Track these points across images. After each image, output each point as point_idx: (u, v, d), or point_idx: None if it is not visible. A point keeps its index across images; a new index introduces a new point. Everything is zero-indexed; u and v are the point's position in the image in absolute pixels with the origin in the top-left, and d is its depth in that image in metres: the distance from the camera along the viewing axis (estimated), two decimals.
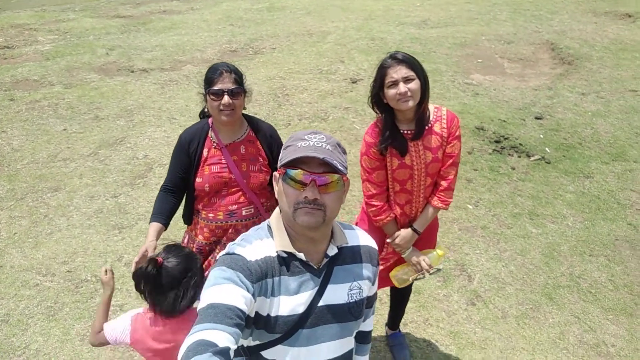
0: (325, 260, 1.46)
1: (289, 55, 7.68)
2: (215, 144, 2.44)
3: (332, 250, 1.46)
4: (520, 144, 5.39)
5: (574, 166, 5.10)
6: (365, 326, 1.71)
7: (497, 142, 5.41)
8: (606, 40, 8.24)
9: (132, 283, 3.49)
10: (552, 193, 4.72)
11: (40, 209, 4.41)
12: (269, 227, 1.48)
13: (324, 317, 1.44)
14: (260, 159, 2.50)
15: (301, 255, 1.41)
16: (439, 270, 2.76)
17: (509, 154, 5.25)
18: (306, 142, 1.35)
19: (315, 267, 1.44)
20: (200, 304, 1.25)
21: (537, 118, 5.90)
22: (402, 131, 2.36)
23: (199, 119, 2.60)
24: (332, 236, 1.48)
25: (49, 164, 5.05)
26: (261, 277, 1.36)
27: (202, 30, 9.15)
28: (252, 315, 1.37)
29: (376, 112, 2.41)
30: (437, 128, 2.39)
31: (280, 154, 1.42)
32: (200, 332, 1.14)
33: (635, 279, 3.81)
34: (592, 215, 4.45)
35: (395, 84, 2.21)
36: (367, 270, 1.54)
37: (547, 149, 5.36)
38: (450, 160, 2.45)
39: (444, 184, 2.48)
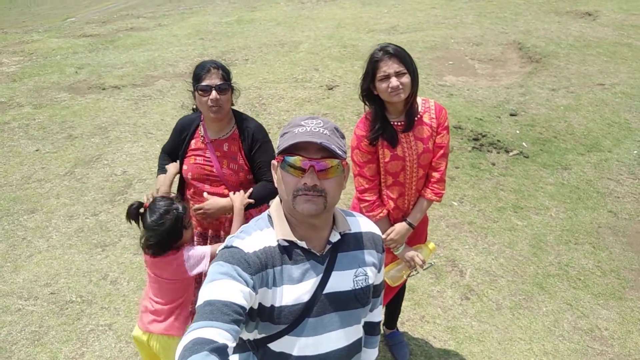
0: (328, 247, 1.43)
1: (262, 66, 7.66)
2: (202, 138, 2.52)
3: (335, 237, 1.43)
4: (498, 141, 5.47)
5: (552, 159, 5.20)
6: (373, 317, 1.68)
7: (475, 139, 5.48)
8: (570, 38, 8.48)
9: (120, 302, 3.43)
10: (533, 186, 4.79)
11: (18, 232, 4.26)
12: (269, 216, 1.45)
13: (329, 305, 1.41)
14: (240, 159, 2.52)
15: (302, 243, 1.39)
16: (431, 264, 2.76)
17: (488, 151, 5.32)
18: (303, 127, 1.33)
19: (317, 254, 1.41)
20: (198, 301, 1.23)
21: (512, 115, 6.01)
22: (392, 122, 2.37)
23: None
24: (334, 223, 1.45)
25: (24, 186, 4.89)
26: (260, 268, 1.33)
27: (172, 45, 9.07)
28: (256, 307, 1.34)
29: (366, 104, 2.41)
30: (426, 119, 2.41)
31: (278, 142, 1.39)
32: (197, 331, 1.12)
33: (621, 264, 3.89)
34: (574, 205, 4.53)
35: (387, 77, 2.21)
36: (371, 256, 1.51)
37: (524, 143, 5.45)
38: (441, 151, 2.46)
39: (436, 175, 2.49)
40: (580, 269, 3.82)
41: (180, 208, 2.29)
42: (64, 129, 5.96)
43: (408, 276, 2.70)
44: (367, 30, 9.30)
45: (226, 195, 2.50)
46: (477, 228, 4.22)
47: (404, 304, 3.20)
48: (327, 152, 1.31)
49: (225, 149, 2.51)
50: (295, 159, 1.31)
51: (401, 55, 2.25)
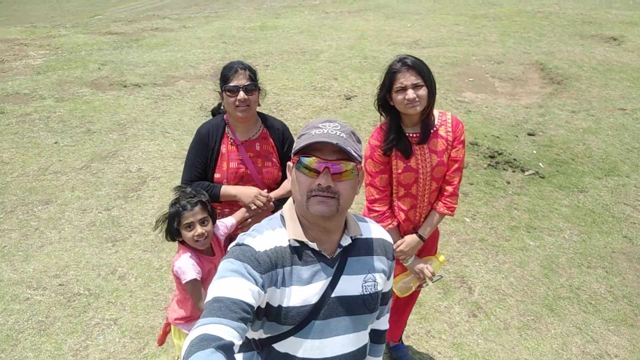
0: (339, 250, 1.42)
1: (282, 72, 7.71)
2: (232, 141, 2.51)
3: (346, 241, 1.43)
4: (514, 159, 5.42)
5: (568, 181, 5.14)
6: (380, 325, 1.67)
7: (491, 157, 5.44)
8: (594, 62, 8.41)
9: (126, 297, 3.44)
10: (547, 207, 4.73)
11: (31, 222, 4.31)
12: (282, 216, 1.46)
13: (337, 308, 1.41)
14: (273, 155, 2.57)
15: (314, 245, 1.39)
16: (441, 277, 2.73)
17: (504, 169, 5.27)
18: (320, 129, 1.33)
19: (328, 256, 1.41)
20: (207, 297, 1.23)
21: (529, 134, 5.96)
22: (407, 134, 2.36)
23: (212, 117, 2.67)
24: (345, 227, 1.45)
25: (40, 177, 4.96)
26: (270, 267, 1.33)
27: (194, 47, 9.17)
28: (263, 306, 1.34)
29: (381, 114, 2.40)
30: (442, 132, 2.39)
31: (295, 143, 1.39)
32: (204, 327, 1.13)
33: (634, 290, 3.81)
34: (588, 229, 4.47)
35: (404, 89, 2.21)
36: (381, 263, 1.50)
37: (540, 164, 5.40)
38: (456, 165, 2.44)
39: (449, 189, 2.48)
40: (591, 293, 3.75)
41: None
42: (83, 123, 6.04)
43: (418, 288, 2.68)
44: (389, 43, 9.32)
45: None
46: (489, 246, 4.17)
47: (410, 317, 3.17)
48: (343, 155, 1.31)
49: (258, 148, 2.53)
50: (310, 160, 1.31)
51: (419, 68, 2.24)
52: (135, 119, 6.18)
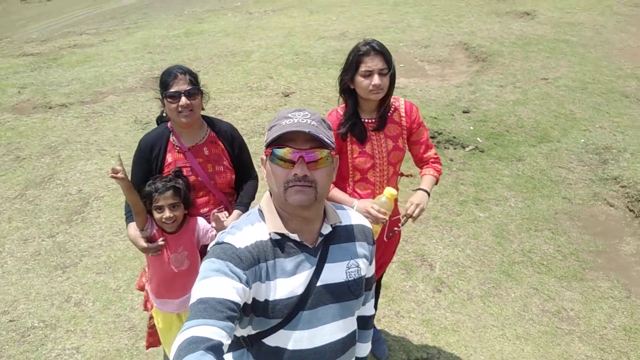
0: (320, 239, 1.43)
1: (215, 76, 7.58)
2: (177, 148, 2.42)
3: (327, 229, 1.43)
4: (454, 137, 5.61)
5: (506, 152, 5.38)
6: (365, 310, 1.69)
7: (432, 137, 5.60)
8: (512, 37, 8.84)
9: (86, 324, 3.28)
10: (490, 178, 4.94)
11: None
12: (260, 210, 1.44)
13: (323, 297, 1.41)
14: (224, 159, 2.50)
15: (295, 236, 1.38)
16: (409, 218, 2.36)
17: (445, 147, 5.45)
18: (290, 119, 1.33)
19: (310, 246, 1.41)
20: (191, 299, 1.22)
21: (464, 112, 6.19)
22: (363, 120, 2.38)
23: (157, 126, 2.56)
24: (325, 215, 1.45)
25: None
26: (253, 262, 1.32)
27: (119, 60, 8.83)
28: (250, 302, 1.33)
29: (342, 97, 2.40)
30: (396, 117, 2.44)
31: (266, 135, 1.38)
32: (191, 329, 1.12)
33: (579, 247, 4.06)
34: (530, 194, 4.70)
35: (370, 74, 2.22)
36: (363, 248, 1.52)
37: (478, 139, 5.62)
38: (423, 147, 2.50)
39: (433, 155, 2.52)
40: (542, 255, 3.96)
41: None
42: (10, 150, 5.68)
43: (388, 237, 2.50)
44: (317, 37, 9.37)
45: (215, 201, 2.51)
46: (442, 222, 4.30)
47: (380, 300, 3.23)
48: (316, 143, 1.31)
49: (207, 153, 2.45)
50: (284, 151, 1.30)
51: (386, 54, 2.26)
52: (67, 140, 5.88)
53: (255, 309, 1.35)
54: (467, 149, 5.40)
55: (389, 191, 2.21)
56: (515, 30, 9.22)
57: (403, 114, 2.45)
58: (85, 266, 3.85)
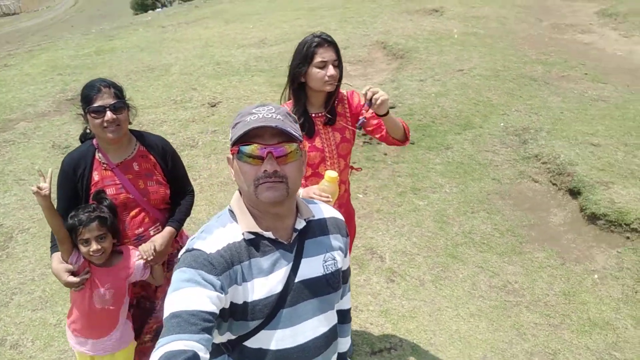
0: (295, 234, 1.40)
1: (135, 93, 7.27)
2: (104, 165, 2.27)
3: (300, 224, 1.41)
4: None
5: (434, 141, 5.59)
6: (343, 304, 1.68)
7: (364, 134, 5.71)
8: (425, 33, 9.20)
9: None
10: (424, 168, 5.11)
11: None
12: (231, 211, 1.40)
13: (302, 292, 1.38)
14: (157, 173, 2.37)
15: (269, 234, 1.35)
16: (370, 104, 2.26)
17: (378, 143, 5.56)
18: (255, 115, 1.28)
19: (285, 242, 1.38)
20: (164, 313, 1.18)
21: (391, 108, 6.31)
22: (310, 114, 2.38)
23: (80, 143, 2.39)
24: (297, 210, 1.43)
25: None
26: (226, 267, 1.27)
27: (26, 84, 8.27)
28: (227, 306, 1.28)
29: (291, 92, 2.37)
30: (340, 109, 2.45)
31: (230, 133, 1.33)
32: (165, 346, 1.08)
33: (513, 223, 4.28)
34: (463, 179, 4.91)
35: (325, 65, 2.21)
36: (337, 240, 1.51)
37: None
38: (382, 126, 2.44)
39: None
40: (482, 234, 4.14)
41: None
42: None
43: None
44: (236, 46, 9.27)
45: (151, 218, 2.38)
46: (385, 214, 4.39)
47: None
48: (284, 137, 1.28)
49: (137, 168, 2.32)
50: (252, 148, 1.26)
51: (336, 46, 2.27)
52: None
53: (234, 313, 1.31)
54: None
55: (329, 174, 2.15)
56: (427, 26, 9.62)
57: (347, 105, 2.47)
58: (18, 304, 3.55)
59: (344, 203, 2.62)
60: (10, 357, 3.14)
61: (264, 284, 1.32)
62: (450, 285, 3.60)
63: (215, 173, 5.16)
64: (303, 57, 2.28)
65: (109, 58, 9.40)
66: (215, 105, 6.56)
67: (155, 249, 2.32)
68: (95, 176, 2.27)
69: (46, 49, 10.97)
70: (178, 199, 2.49)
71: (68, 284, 2.21)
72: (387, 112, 2.34)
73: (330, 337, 1.48)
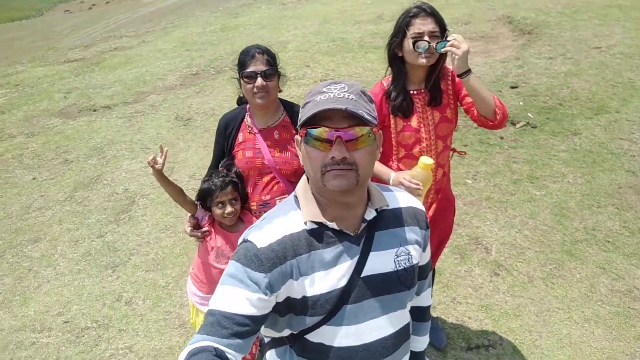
0: (363, 225, 1.27)
1: None
2: (249, 129, 2.37)
3: (370, 214, 1.27)
4: None
5: (560, 126, 5.07)
6: (421, 301, 1.53)
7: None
8: (559, 6, 8.37)
9: (137, 322, 3.28)
10: (545, 155, 4.66)
11: (23, 263, 4.11)
12: (296, 197, 1.30)
13: (369, 289, 1.26)
14: (292, 147, 2.38)
15: (333, 224, 1.23)
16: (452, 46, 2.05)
17: None
18: (325, 94, 1.16)
19: (351, 234, 1.25)
20: (209, 304, 1.19)
21: (512, 87, 5.88)
22: (410, 91, 2.23)
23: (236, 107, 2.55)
24: (369, 199, 1.30)
25: (24, 216, 4.75)
26: (277, 262, 1.19)
27: (158, 59, 8.94)
28: (281, 301, 1.22)
29: (392, 68, 2.24)
30: (442, 86, 2.27)
31: (300, 113, 1.22)
32: (195, 344, 1.10)
33: None
34: (590, 169, 4.40)
35: (420, 36, 2.06)
36: (414, 233, 1.35)
37: (529, 114, 5.32)
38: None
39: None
40: (607, 232, 3.69)
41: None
42: (58, 154, 5.82)
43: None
44: (353, 22, 9.18)
45: (280, 189, 2.43)
46: (496, 203, 4.08)
47: (433, 287, 3.07)
48: (355, 120, 1.15)
49: (276, 136, 2.35)
50: (319, 131, 1.15)
51: (438, 16, 2.10)
52: (112, 140, 5.97)
53: (293, 308, 1.23)
54: (517, 126, 5.12)
55: (423, 161, 1.99)
56: None
57: (450, 82, 2.27)
58: (134, 264, 3.87)
59: (442, 188, 2.44)
60: (124, 313, 3.43)
61: (324, 278, 1.23)
62: (563, 285, 3.25)
63: None
64: (398, 28, 2.13)
65: (232, 35, 9.82)
66: None
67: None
68: (240, 137, 2.38)
69: (178, 27, 11.76)
70: None
71: (190, 234, 2.43)
72: (468, 72, 2.06)
73: (400, 337, 1.34)
